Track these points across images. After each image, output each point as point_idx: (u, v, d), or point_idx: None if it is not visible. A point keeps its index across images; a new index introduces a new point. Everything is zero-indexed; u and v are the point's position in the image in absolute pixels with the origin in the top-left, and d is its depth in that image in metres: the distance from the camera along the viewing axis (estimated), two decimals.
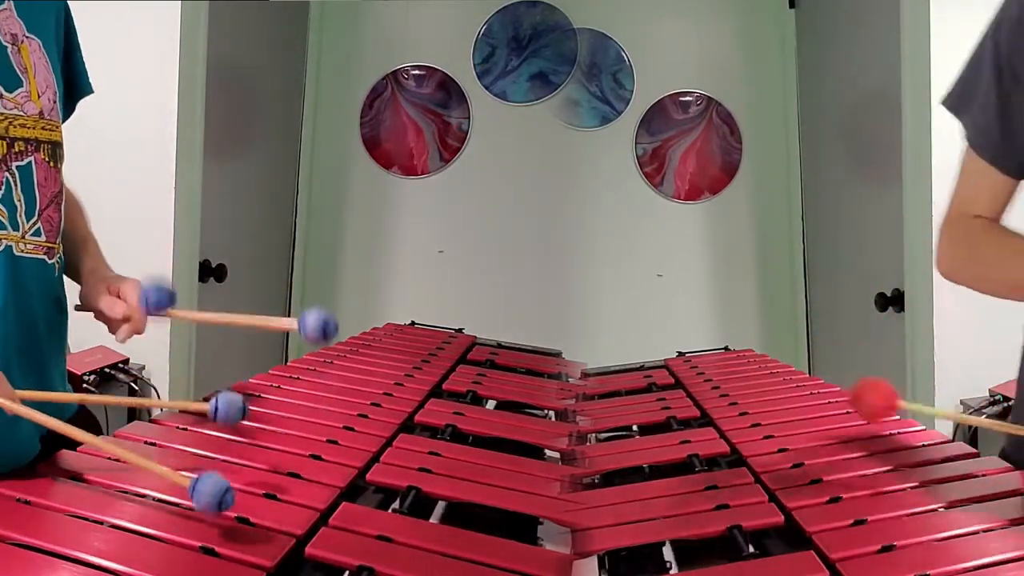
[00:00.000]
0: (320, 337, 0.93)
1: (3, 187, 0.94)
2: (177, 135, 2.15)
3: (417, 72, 3.44)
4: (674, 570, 0.82)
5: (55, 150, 1.02)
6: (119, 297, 1.04)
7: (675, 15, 3.48)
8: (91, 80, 1.17)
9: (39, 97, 0.99)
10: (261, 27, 3.01)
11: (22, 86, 0.97)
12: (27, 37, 0.99)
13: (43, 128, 1.00)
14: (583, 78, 3.43)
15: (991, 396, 2.04)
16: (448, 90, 3.43)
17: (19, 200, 0.96)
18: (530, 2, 3.44)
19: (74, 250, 1.14)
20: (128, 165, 2.10)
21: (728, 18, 3.49)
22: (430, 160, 3.43)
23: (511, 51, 3.43)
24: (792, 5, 3.45)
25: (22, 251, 0.97)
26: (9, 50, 0.96)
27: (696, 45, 3.47)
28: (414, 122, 3.44)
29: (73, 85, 1.15)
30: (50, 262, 1.02)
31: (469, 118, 3.42)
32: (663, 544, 0.85)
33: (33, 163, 0.98)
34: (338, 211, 3.45)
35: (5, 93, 0.94)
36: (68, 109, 1.16)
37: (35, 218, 0.98)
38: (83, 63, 1.16)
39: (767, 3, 3.49)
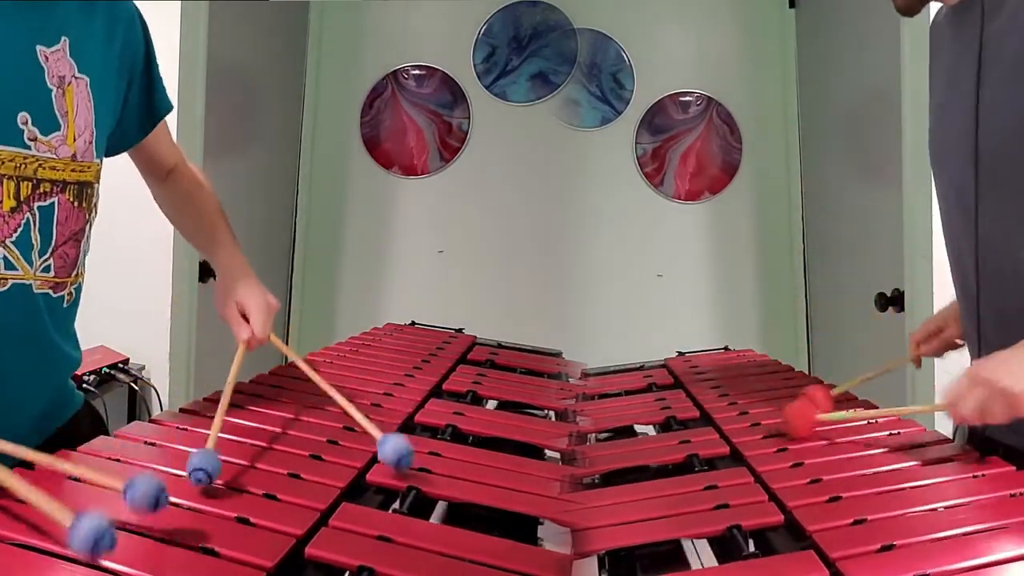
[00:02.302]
0: (393, 465, 0.94)
1: (22, 227, 0.95)
2: (177, 135, 2.13)
3: (417, 72, 3.44)
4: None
5: (82, 190, 1.02)
6: (244, 316, 1.15)
7: (675, 15, 3.48)
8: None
9: (75, 140, 0.99)
10: (261, 27, 3.01)
11: (59, 130, 0.97)
12: (76, 77, 0.99)
13: (73, 170, 1.00)
14: (583, 78, 3.43)
15: None
16: (448, 90, 3.43)
17: (36, 239, 0.97)
18: (530, 2, 3.44)
19: (206, 245, 1.25)
20: (128, 165, 2.10)
21: (728, 18, 3.49)
22: (430, 160, 3.43)
23: (511, 51, 3.43)
24: (792, 5, 3.45)
25: (37, 288, 0.98)
26: (54, 94, 0.96)
27: (696, 45, 3.48)
28: (414, 122, 3.44)
29: (152, 106, 1.17)
30: (56, 296, 1.02)
31: (469, 118, 3.42)
32: (663, 543, 0.85)
33: (56, 203, 0.98)
34: (338, 211, 3.45)
35: (40, 136, 0.95)
36: (147, 128, 1.19)
37: (47, 255, 0.99)
38: (161, 82, 1.18)
39: (767, 3, 3.49)
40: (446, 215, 3.44)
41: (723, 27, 3.49)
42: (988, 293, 1.11)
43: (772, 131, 3.46)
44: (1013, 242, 1.04)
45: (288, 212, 3.39)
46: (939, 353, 1.37)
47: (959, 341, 1.33)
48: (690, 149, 3.45)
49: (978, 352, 1.16)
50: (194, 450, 0.87)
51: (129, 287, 2.09)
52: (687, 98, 3.45)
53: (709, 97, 3.44)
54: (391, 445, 0.94)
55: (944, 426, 2.09)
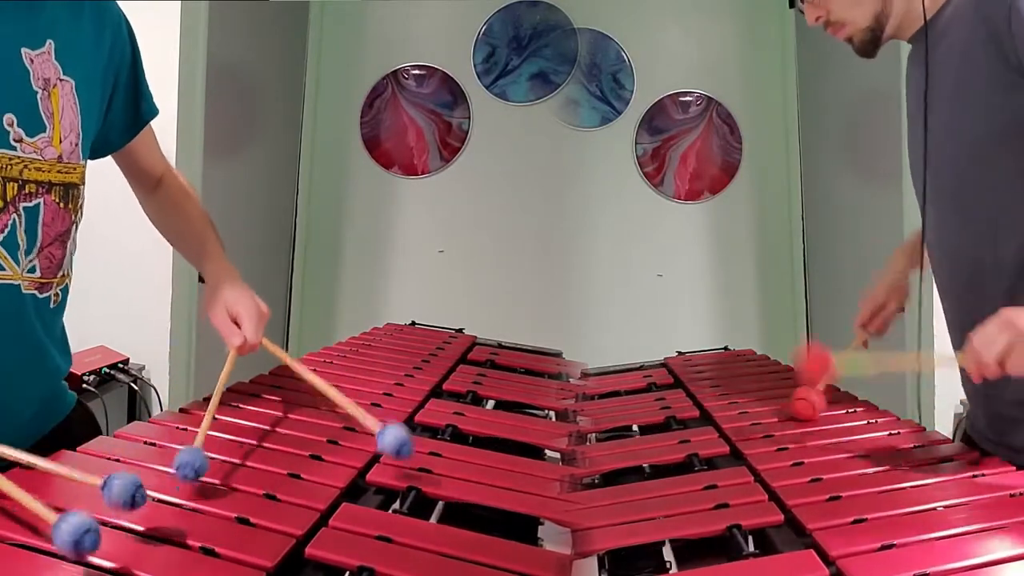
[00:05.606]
0: (393, 454, 0.94)
1: (8, 228, 0.95)
2: (177, 135, 2.15)
3: (417, 72, 3.44)
4: (674, 569, 0.82)
5: (68, 191, 1.02)
6: (235, 322, 1.12)
7: (675, 15, 3.48)
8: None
9: (61, 141, 0.99)
10: (261, 27, 3.01)
11: (45, 131, 0.97)
12: (61, 80, 0.99)
13: (59, 171, 1.00)
14: (583, 78, 3.43)
15: None
16: (448, 90, 3.43)
17: (22, 240, 0.97)
18: (531, 2, 3.44)
19: (194, 255, 1.26)
20: None
21: (728, 18, 3.49)
22: (430, 160, 3.43)
23: (511, 51, 3.43)
24: (792, 5, 3.43)
25: (25, 289, 0.99)
26: (39, 96, 0.96)
27: (696, 45, 3.48)
28: (414, 122, 3.44)
29: (138, 110, 1.17)
30: (42, 296, 1.02)
31: (469, 118, 3.42)
32: (663, 543, 0.85)
33: (42, 204, 0.99)
34: (338, 211, 3.45)
35: (26, 138, 0.95)
36: (132, 132, 1.18)
37: (33, 256, 0.99)
38: (147, 86, 1.18)
39: (767, 3, 3.49)
40: (446, 215, 3.44)
41: (723, 27, 3.49)
42: (945, 294, 1.21)
43: (772, 131, 3.46)
44: (951, 253, 1.14)
45: (288, 212, 3.40)
46: (883, 331, 1.44)
47: (900, 309, 1.42)
48: (690, 149, 3.45)
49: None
50: (181, 447, 0.87)
51: (129, 287, 2.09)
52: (687, 98, 3.45)
53: (709, 97, 3.44)
54: (391, 434, 0.94)
55: (944, 426, 2.10)
